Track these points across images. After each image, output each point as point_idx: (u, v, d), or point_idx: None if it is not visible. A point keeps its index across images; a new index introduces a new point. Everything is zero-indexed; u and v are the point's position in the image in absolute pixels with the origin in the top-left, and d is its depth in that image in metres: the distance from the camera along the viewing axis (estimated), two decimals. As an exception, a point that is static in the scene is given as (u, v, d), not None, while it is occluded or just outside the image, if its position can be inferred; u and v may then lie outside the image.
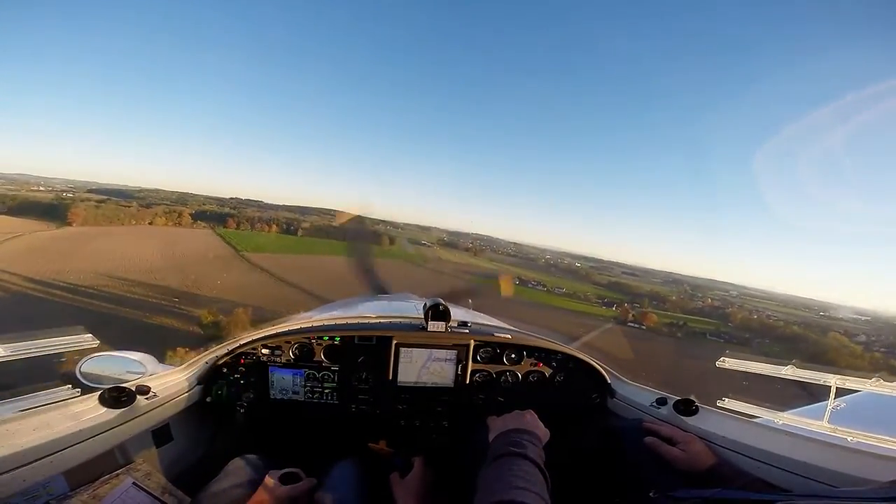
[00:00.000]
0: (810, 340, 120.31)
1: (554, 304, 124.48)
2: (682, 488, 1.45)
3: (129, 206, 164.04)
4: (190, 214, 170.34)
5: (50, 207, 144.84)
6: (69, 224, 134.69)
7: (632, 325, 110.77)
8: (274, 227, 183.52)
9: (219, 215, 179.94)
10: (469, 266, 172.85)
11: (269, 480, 1.68)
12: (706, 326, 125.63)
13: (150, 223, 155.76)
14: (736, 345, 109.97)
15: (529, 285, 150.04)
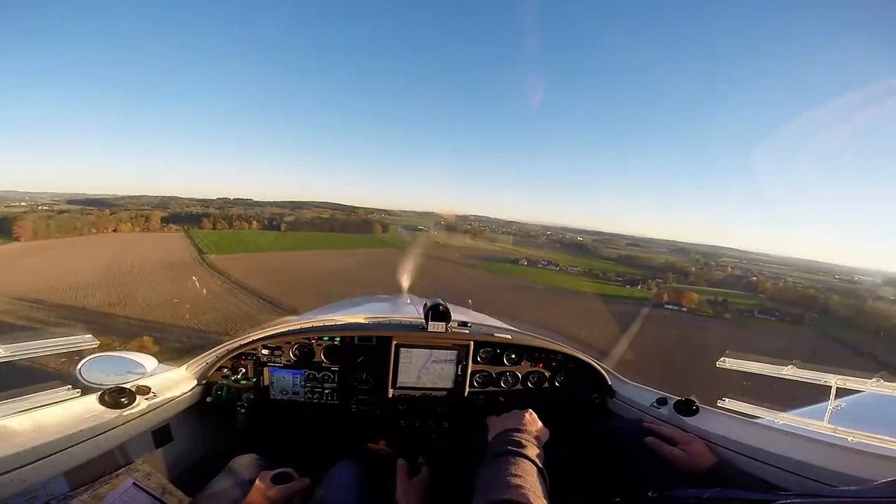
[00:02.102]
0: (864, 312, 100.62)
1: (572, 287, 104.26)
2: (682, 488, 1.43)
3: (89, 214, 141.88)
4: (161, 218, 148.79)
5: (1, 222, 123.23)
6: (16, 239, 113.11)
7: (670, 306, 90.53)
8: (255, 223, 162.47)
9: (193, 216, 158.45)
10: (470, 249, 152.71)
11: (261, 481, 1.64)
12: (747, 302, 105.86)
13: (113, 230, 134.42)
14: (790, 323, 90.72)
15: (540, 265, 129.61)
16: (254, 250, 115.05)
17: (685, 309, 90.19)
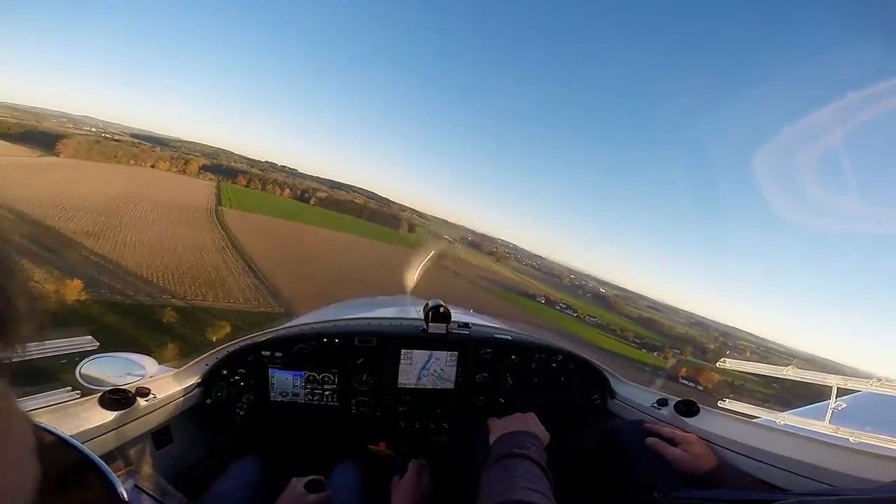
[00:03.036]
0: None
1: (587, 337, 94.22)
2: (684, 489, 1.42)
3: (135, 147, 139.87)
4: (201, 165, 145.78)
5: (52, 138, 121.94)
6: (56, 154, 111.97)
7: (685, 381, 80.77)
8: (287, 191, 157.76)
9: (232, 170, 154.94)
10: (489, 273, 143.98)
11: (296, 486, 1.63)
12: (764, 391, 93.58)
13: (152, 166, 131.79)
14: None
15: (557, 307, 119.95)
16: (272, 215, 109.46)
17: (701, 387, 79.45)
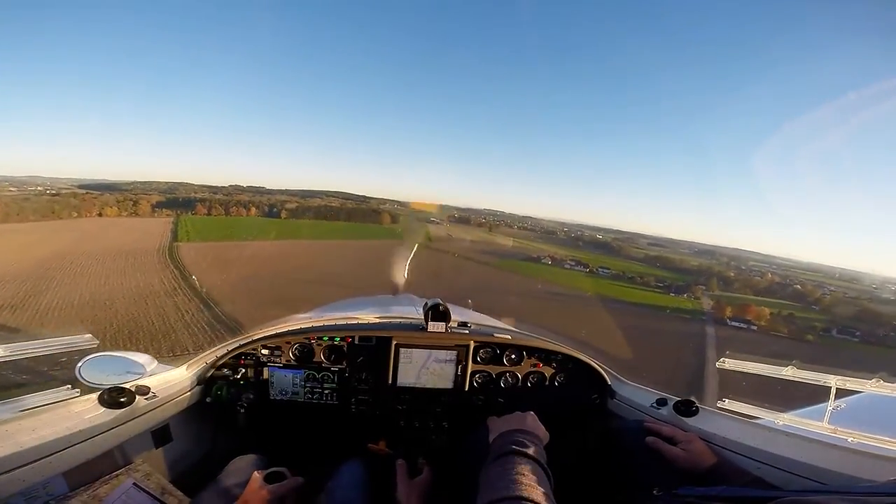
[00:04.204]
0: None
1: (612, 294, 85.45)
2: (687, 486, 1.41)
3: (74, 198, 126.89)
4: (156, 202, 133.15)
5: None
6: None
7: (736, 324, 70.43)
8: (253, 209, 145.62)
9: (189, 201, 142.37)
10: (488, 244, 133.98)
11: (255, 480, 1.62)
12: (812, 316, 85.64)
13: (98, 214, 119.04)
14: (878, 345, 71.00)
15: (566, 266, 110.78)
16: (236, 238, 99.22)
17: (755, 327, 69.98)
